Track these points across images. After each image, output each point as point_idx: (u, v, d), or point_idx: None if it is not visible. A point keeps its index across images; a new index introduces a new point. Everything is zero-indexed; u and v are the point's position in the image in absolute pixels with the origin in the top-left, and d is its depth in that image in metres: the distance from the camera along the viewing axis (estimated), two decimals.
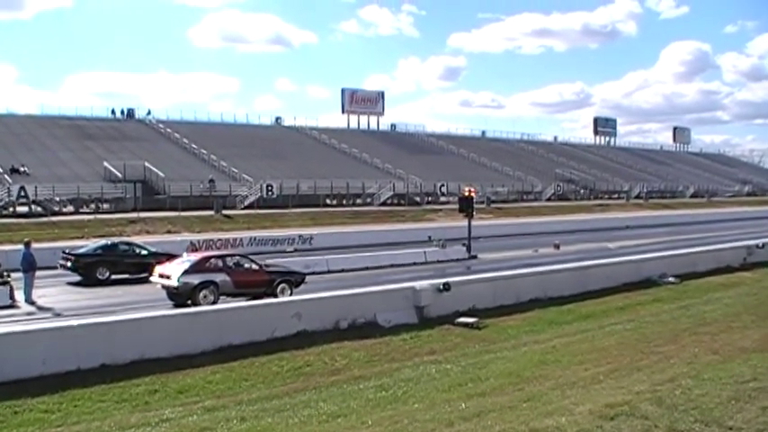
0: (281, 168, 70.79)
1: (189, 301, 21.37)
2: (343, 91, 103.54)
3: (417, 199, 70.69)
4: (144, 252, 28.84)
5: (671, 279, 26.98)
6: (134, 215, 48.28)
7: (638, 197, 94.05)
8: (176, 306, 21.07)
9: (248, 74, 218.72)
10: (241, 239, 39.76)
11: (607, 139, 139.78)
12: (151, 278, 23.25)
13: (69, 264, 27.72)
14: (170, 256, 25.75)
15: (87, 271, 27.66)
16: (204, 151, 72.02)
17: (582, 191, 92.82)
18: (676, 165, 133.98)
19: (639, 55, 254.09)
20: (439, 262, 34.35)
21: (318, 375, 14.15)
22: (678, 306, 21.28)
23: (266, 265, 24.25)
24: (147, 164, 60.94)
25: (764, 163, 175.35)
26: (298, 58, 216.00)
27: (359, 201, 68.02)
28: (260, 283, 22.93)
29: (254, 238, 40.42)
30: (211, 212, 51.63)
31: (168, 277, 22.02)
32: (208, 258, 23.13)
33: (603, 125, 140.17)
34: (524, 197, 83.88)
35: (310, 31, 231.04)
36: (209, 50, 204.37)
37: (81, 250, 29.00)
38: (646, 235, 48.83)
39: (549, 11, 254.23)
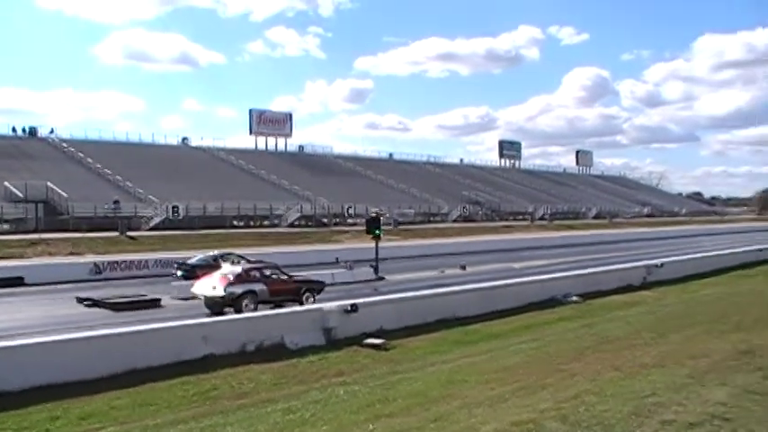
0: (188, 189, 69.72)
1: (231, 308, 23.31)
2: (251, 112, 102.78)
3: (325, 220, 70.65)
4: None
5: (575, 298, 27.54)
6: (36, 236, 46.89)
7: (542, 218, 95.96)
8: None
9: (154, 93, 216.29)
10: (146, 261, 38.91)
11: (512, 161, 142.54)
12: (192, 289, 25.55)
13: (181, 272, 32.00)
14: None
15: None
16: (109, 171, 70.57)
17: (488, 212, 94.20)
18: (579, 187, 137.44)
19: (542, 80, 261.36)
20: (346, 283, 34.22)
21: (225, 399, 13.91)
22: (582, 324, 21.68)
23: (292, 276, 26.44)
24: (49, 184, 59.31)
25: (662, 185, 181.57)
26: (205, 78, 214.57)
27: (266, 222, 67.66)
28: (290, 291, 25.39)
29: (160, 260, 39.53)
30: (116, 233, 50.57)
31: (214, 288, 24.20)
32: (249, 270, 25.30)
33: (508, 148, 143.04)
34: (431, 219, 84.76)
35: (217, 52, 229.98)
36: (114, 68, 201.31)
37: (193, 261, 33.33)
38: (550, 255, 49.84)
39: (453, 36, 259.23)
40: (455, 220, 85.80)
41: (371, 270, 36.94)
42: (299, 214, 69.79)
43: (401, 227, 69.93)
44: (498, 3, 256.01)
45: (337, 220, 72.42)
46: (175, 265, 33.73)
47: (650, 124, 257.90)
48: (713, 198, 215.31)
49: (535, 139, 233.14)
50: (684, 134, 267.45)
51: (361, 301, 21.54)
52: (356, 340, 19.17)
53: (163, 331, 17.61)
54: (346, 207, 74.66)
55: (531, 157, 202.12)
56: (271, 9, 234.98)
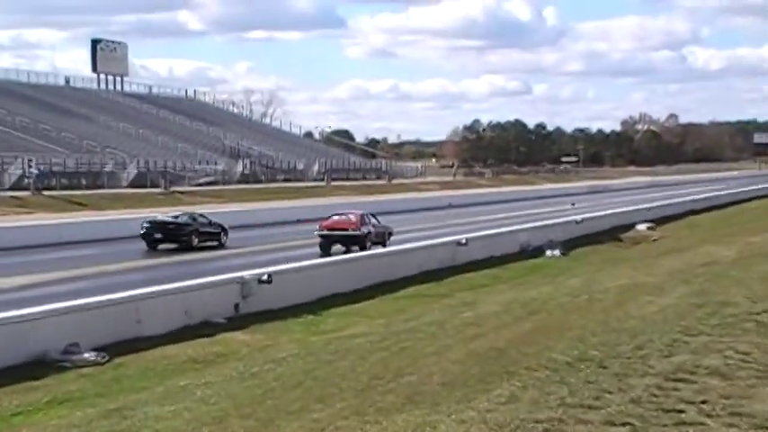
0: None
1: (356, 247, 56.62)
2: None
3: None
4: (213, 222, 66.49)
5: (88, 356, 28.08)
6: None
7: (17, 187, 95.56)
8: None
9: None
10: None
11: None
12: (316, 232, 58.50)
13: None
14: (222, 227, 65.36)
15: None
16: None
17: None
18: (100, 117, 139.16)
19: None
20: None
21: None
22: (101, 412, 21.71)
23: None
24: None
25: (275, 117, 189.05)
26: None
27: None
28: (381, 235, 59.57)
29: None
30: None
31: (345, 229, 57.38)
32: (362, 216, 59.42)
33: None
34: None
35: None
36: None
37: (164, 218, 64.60)
38: (35, 267, 50.38)
39: None
40: None
41: None
42: None
43: None
44: None
45: None
46: (147, 225, 61.85)
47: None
48: (373, 142, 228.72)
49: None
50: (317, 13, 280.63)
51: None
52: None
53: None
54: None
55: None
56: None
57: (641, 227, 74.42)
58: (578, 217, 77.95)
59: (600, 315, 25.83)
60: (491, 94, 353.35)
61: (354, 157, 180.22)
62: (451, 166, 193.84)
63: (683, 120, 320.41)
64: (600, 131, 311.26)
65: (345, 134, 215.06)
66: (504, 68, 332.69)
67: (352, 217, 58.07)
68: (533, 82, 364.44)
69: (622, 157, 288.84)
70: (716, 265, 38.14)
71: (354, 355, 25.06)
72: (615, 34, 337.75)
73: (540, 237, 63.65)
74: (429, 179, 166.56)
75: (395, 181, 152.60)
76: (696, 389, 14.69)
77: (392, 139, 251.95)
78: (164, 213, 68.72)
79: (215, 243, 63.53)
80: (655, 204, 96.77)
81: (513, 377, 16.77)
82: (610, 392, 14.85)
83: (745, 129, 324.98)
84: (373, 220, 60.06)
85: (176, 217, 63.78)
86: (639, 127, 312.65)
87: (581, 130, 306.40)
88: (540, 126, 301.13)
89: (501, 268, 51.67)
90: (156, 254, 60.19)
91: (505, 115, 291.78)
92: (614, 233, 70.52)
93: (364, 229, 56.96)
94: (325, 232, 56.34)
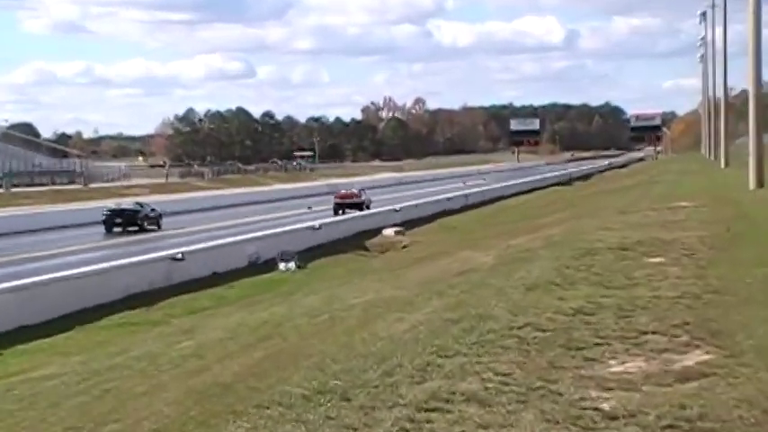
0: None
1: (357, 210, 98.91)
2: None
3: None
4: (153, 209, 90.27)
5: None
6: None
7: None
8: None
9: None
10: None
11: None
12: (335, 200, 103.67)
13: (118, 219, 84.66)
14: (160, 214, 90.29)
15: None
16: None
17: None
18: None
19: None
20: None
21: None
22: None
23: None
24: None
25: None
26: None
27: None
28: (369, 202, 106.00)
29: None
30: None
31: (352, 197, 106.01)
32: (360, 190, 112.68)
33: None
34: None
35: None
36: None
37: (120, 207, 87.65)
38: None
39: None
40: None
41: None
42: None
43: None
44: None
45: None
46: (107, 212, 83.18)
47: None
48: (64, 138, 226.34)
49: None
50: None
51: None
52: None
53: None
54: None
55: None
56: None
57: (388, 232, 74.13)
58: (316, 223, 76.64)
59: (343, 337, 24.38)
60: (207, 78, 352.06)
61: (40, 157, 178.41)
62: (163, 166, 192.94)
63: (432, 105, 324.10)
64: (338, 120, 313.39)
65: (28, 128, 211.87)
66: (221, 46, 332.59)
67: (354, 191, 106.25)
68: (257, 63, 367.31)
69: (365, 150, 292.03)
70: (473, 274, 36.58)
71: (45, 401, 23.35)
72: (350, 7, 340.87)
73: (272, 247, 61.62)
74: (136, 182, 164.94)
75: (93, 185, 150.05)
76: (451, 419, 13.88)
77: (88, 134, 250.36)
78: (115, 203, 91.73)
79: (155, 227, 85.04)
80: (404, 204, 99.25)
81: (240, 417, 15.51)
82: (354, 429, 14.06)
83: (500, 114, 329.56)
84: (365, 193, 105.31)
85: (122, 206, 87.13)
86: (383, 114, 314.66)
87: (316, 119, 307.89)
88: (268, 115, 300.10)
89: (226, 287, 50.42)
90: None
91: (226, 103, 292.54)
92: (358, 240, 71.26)
93: (363, 198, 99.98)
94: (339, 201, 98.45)
